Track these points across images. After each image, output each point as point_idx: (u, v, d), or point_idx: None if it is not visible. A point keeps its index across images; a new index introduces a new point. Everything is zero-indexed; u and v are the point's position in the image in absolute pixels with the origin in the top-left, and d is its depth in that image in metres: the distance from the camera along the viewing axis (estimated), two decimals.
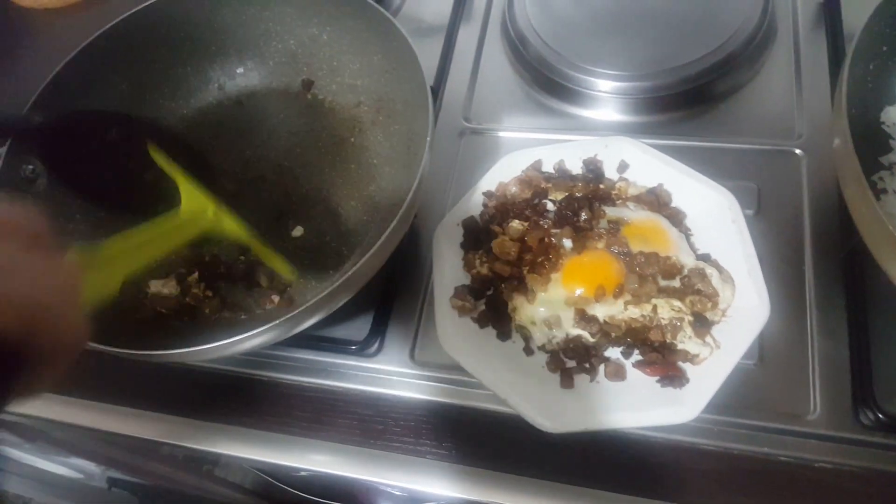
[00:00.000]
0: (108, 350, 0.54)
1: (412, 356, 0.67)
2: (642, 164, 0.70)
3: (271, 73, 0.78)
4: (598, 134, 0.75)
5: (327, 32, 0.74)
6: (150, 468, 1.08)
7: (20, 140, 0.66)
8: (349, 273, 0.55)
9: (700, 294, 0.62)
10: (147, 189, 0.68)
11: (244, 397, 0.69)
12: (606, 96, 0.78)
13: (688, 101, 0.77)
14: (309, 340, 0.68)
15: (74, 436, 0.76)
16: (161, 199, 0.63)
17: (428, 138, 0.59)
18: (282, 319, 0.54)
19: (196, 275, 0.69)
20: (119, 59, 0.72)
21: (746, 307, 0.61)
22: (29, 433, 0.99)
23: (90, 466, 1.23)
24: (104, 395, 0.71)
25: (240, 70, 0.78)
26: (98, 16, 0.76)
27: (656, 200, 0.67)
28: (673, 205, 0.68)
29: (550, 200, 0.68)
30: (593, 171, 0.70)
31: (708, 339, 0.61)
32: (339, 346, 0.68)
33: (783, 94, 0.75)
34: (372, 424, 0.66)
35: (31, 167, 0.67)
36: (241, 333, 0.53)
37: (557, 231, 0.65)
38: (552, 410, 0.59)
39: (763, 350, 0.62)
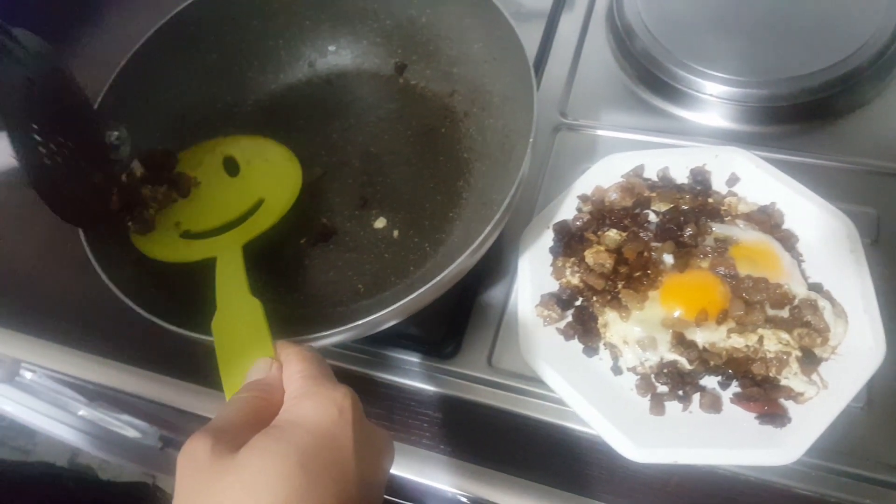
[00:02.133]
0: (177, 331, 0.53)
1: (490, 362, 0.64)
2: (754, 178, 0.65)
3: (364, 53, 0.74)
4: (707, 141, 0.70)
5: (427, 15, 0.70)
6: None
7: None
8: (437, 279, 0.52)
9: (810, 327, 0.57)
10: None
11: None
12: (716, 101, 0.73)
13: (806, 113, 0.71)
14: (383, 335, 0.65)
15: (131, 398, 0.74)
16: None
17: (531, 139, 0.56)
18: (361, 322, 0.51)
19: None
20: (211, 27, 0.70)
21: (859, 346, 0.57)
22: (90, 393, 1.00)
23: (144, 425, 1.24)
24: (156, 363, 0.71)
25: (332, 48, 0.75)
26: None
27: (768, 220, 0.62)
28: (785, 226, 0.63)
29: (653, 211, 0.63)
30: (701, 182, 0.65)
31: (815, 377, 0.56)
32: (414, 344, 0.65)
33: None
34: (444, 429, 0.63)
35: (116, 133, 0.65)
36: (317, 332, 0.51)
37: (658, 245, 0.61)
38: (638, 437, 0.55)
39: (872, 393, 0.57)
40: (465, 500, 0.65)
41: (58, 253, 0.78)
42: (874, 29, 0.71)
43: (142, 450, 1.40)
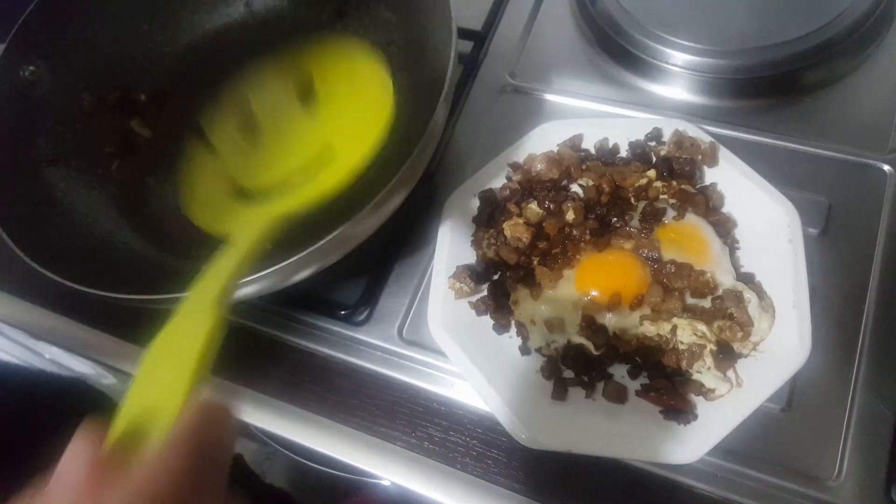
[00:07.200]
0: (68, 283, 0.51)
1: (400, 333, 0.61)
2: None
3: None
4: (656, 113, 0.65)
5: None
6: None
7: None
8: (338, 232, 0.49)
9: (731, 320, 0.53)
10: None
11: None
12: (677, 70, 0.68)
13: (769, 88, 0.66)
14: (295, 295, 0.62)
15: None
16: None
17: (442, 95, 0.52)
18: (262, 273, 0.48)
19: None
20: None
21: (783, 345, 0.53)
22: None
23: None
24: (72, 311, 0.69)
25: None
26: None
27: (705, 202, 0.58)
28: (724, 210, 0.58)
29: (580, 185, 0.59)
30: (639, 156, 0.61)
31: (730, 373, 0.53)
32: (325, 308, 0.63)
33: (883, 98, 0.64)
34: (347, 398, 0.60)
35: (31, 68, 0.63)
36: None
37: (580, 222, 0.57)
38: (536, 422, 0.53)
39: (793, 395, 0.54)
40: (366, 472, 0.63)
41: None
42: None
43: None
